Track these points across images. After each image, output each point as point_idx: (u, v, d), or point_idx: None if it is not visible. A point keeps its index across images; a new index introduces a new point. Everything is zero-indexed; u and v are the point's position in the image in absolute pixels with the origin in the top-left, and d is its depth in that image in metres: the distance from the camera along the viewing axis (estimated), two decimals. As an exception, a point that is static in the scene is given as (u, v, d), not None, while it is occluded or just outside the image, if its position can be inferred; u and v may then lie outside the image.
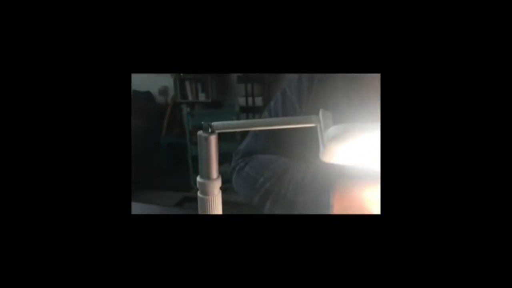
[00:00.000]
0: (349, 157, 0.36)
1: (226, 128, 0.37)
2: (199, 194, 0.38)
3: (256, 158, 0.62)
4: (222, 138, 0.34)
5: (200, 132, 0.36)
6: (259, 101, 3.24)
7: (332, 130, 0.31)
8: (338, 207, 0.50)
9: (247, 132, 0.69)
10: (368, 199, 0.48)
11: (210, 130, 0.36)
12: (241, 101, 3.29)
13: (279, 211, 0.54)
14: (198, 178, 0.38)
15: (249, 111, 3.25)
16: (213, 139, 0.36)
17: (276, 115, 0.64)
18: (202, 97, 3.37)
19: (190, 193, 2.69)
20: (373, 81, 0.53)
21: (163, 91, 3.53)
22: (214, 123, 0.36)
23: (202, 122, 0.36)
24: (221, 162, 0.37)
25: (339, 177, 0.52)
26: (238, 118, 2.89)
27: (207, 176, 0.37)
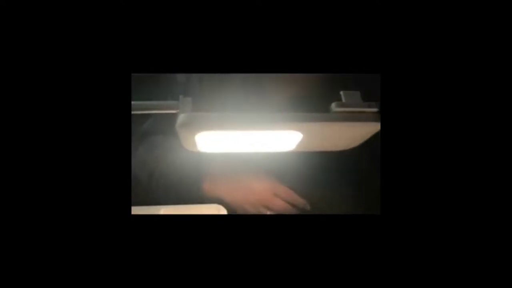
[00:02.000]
0: (214, 146, 0.36)
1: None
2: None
3: (149, 140, 0.64)
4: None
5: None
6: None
7: (182, 117, 0.30)
8: (209, 191, 0.52)
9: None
10: (240, 188, 0.50)
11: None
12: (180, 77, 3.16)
13: (160, 191, 0.56)
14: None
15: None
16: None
17: None
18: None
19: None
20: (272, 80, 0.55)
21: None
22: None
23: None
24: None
25: (211, 162, 0.53)
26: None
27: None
